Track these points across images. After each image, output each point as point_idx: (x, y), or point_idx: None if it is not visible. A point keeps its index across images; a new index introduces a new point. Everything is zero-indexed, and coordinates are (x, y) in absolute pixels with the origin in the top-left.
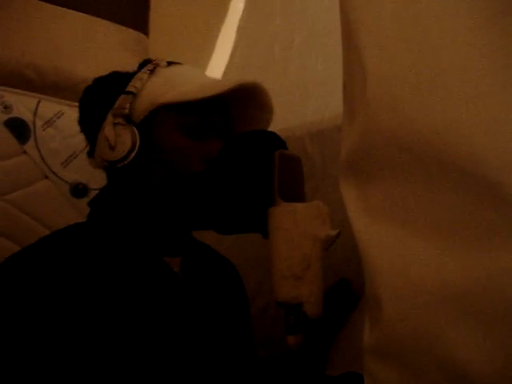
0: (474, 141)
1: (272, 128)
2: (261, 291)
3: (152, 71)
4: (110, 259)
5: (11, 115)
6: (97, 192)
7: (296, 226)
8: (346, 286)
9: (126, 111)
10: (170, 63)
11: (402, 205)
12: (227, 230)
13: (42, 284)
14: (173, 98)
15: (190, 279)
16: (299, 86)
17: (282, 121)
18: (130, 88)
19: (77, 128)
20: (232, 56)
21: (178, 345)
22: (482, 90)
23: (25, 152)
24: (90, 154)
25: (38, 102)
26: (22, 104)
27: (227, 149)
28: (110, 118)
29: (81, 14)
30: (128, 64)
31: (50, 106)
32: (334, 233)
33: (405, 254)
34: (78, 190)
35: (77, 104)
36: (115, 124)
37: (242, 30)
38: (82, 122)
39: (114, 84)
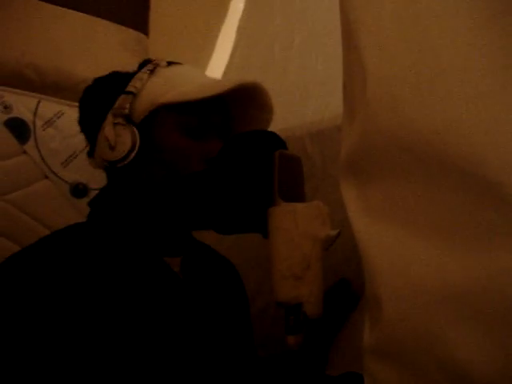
0: (474, 141)
1: (272, 128)
2: (261, 291)
3: (152, 71)
4: (110, 259)
5: (11, 115)
6: (97, 192)
7: (296, 226)
8: (346, 286)
9: (126, 111)
10: (169, 63)
11: (402, 205)
12: (227, 230)
13: (43, 284)
14: (173, 97)
15: (189, 279)
16: (299, 86)
17: (282, 121)
18: (130, 88)
19: (77, 128)
20: (232, 56)
21: (178, 345)
22: (482, 89)
23: (25, 152)
24: (90, 154)
25: (38, 102)
26: (22, 104)
27: (227, 149)
28: (110, 118)
29: (81, 14)
30: (128, 64)
31: (49, 106)
32: (333, 233)
33: (405, 254)
34: (78, 190)
35: (77, 104)
36: (115, 124)
37: (241, 30)
38: (82, 122)
39: (114, 84)
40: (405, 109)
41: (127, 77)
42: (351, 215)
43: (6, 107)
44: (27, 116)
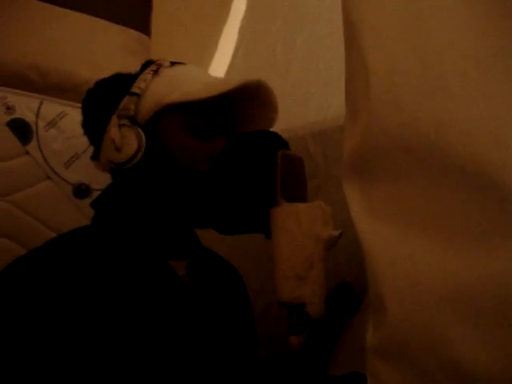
0: (476, 141)
1: (274, 128)
2: (263, 291)
3: (156, 72)
4: (116, 262)
5: (14, 116)
6: (99, 192)
7: (298, 227)
8: (348, 290)
9: (132, 112)
10: (173, 63)
11: (404, 205)
12: (230, 231)
13: (48, 288)
14: (178, 98)
15: (195, 283)
16: (301, 87)
17: (284, 121)
18: (134, 89)
19: (79, 129)
20: (234, 57)
21: (181, 348)
22: (484, 90)
23: (27, 153)
24: (95, 157)
25: (41, 103)
26: (25, 105)
27: (229, 149)
28: (114, 120)
29: (83, 14)
30: (130, 65)
31: (52, 107)
32: (336, 233)
33: (407, 254)
34: (81, 191)
35: (79, 105)
36: (120, 126)
37: (243, 31)
38: (86, 124)
39: (118, 86)
40: (407, 109)
41: (130, 78)
42: (354, 215)
43: (8, 108)
44: (29, 117)
